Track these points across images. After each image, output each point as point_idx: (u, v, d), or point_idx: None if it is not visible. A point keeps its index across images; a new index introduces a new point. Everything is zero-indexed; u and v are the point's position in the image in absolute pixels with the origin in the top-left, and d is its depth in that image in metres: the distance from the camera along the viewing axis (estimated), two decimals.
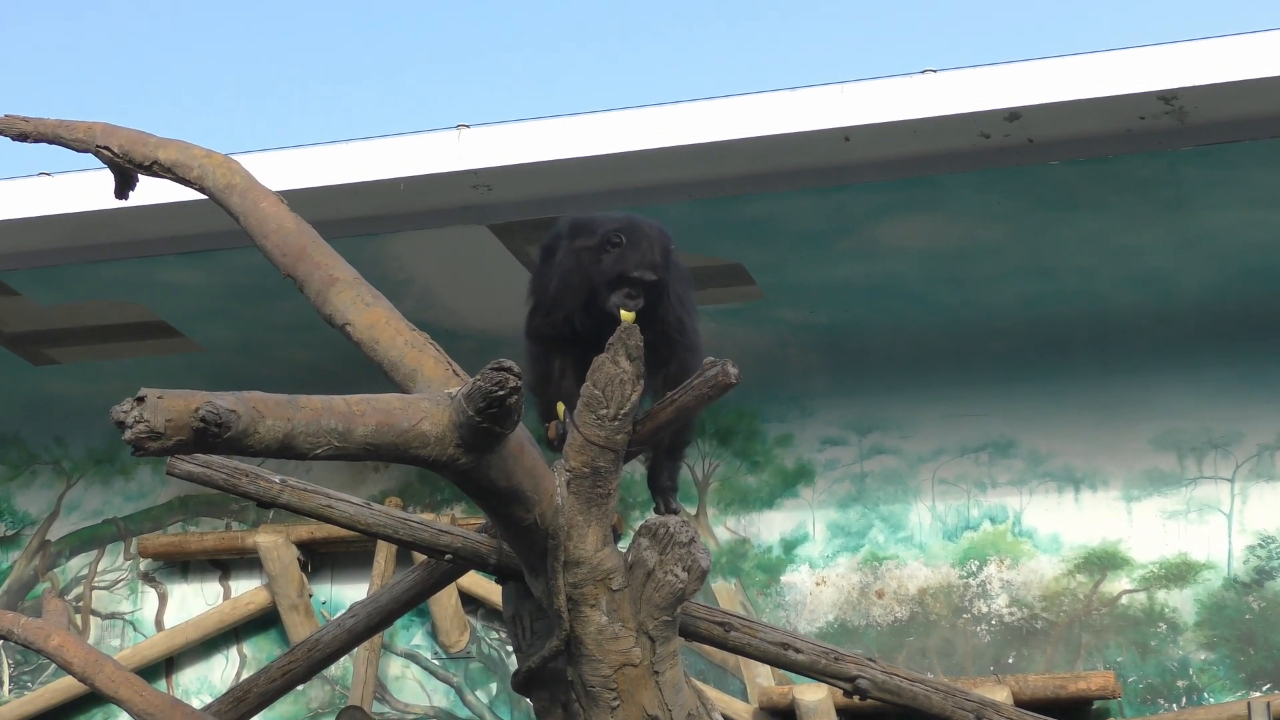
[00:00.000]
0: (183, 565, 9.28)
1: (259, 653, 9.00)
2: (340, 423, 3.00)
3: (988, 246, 7.69)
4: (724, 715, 7.74)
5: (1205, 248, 7.62)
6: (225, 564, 9.22)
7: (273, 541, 8.77)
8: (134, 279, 8.30)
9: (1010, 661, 8.04)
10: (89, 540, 9.53)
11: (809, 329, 8.44)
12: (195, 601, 9.19)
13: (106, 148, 4.36)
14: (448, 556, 4.06)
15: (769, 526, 8.53)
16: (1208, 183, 7.16)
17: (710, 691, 7.88)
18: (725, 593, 8.45)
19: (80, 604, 9.40)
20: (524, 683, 3.87)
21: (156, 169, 4.29)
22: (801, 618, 8.33)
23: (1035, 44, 19.36)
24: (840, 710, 7.66)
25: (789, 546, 8.49)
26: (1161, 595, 7.96)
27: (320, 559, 8.99)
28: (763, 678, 8.09)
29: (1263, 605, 7.88)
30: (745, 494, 8.61)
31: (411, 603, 4.48)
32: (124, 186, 4.50)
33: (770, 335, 8.51)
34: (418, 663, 8.83)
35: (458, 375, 3.57)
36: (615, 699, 3.57)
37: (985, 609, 8.15)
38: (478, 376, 3.10)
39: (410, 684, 8.81)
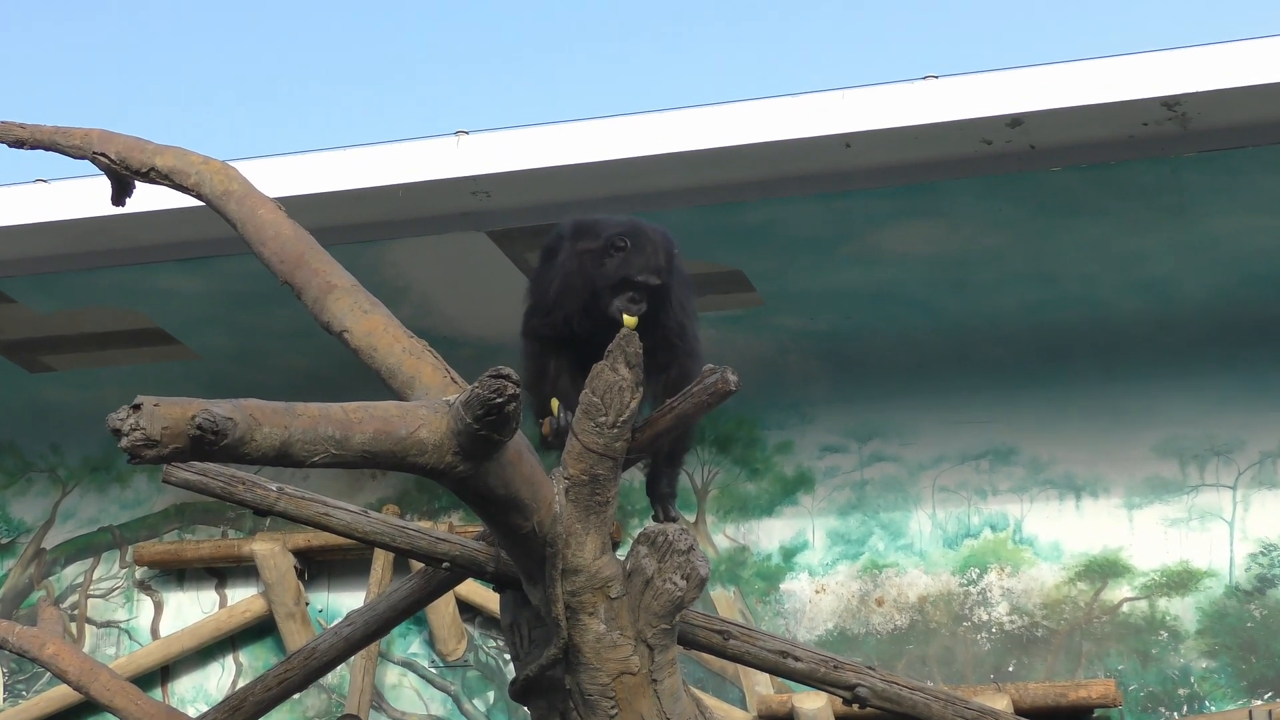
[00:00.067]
0: (179, 573, 9.28)
1: (255, 661, 8.98)
2: (338, 430, 3.00)
3: (990, 253, 7.69)
4: None
5: (1208, 254, 7.62)
6: (221, 572, 9.21)
7: (269, 549, 8.77)
8: (131, 286, 8.30)
9: (1011, 669, 8.04)
10: (84, 548, 9.52)
11: (809, 336, 8.44)
12: (191, 609, 9.18)
13: (103, 154, 4.37)
14: (445, 564, 4.07)
15: (768, 534, 8.53)
16: (1210, 189, 7.17)
17: (709, 700, 7.87)
18: (724, 600, 8.44)
19: (75, 612, 9.39)
20: (522, 691, 3.86)
21: (154, 175, 4.30)
22: (801, 626, 8.32)
23: (1037, 50, 19.37)
24: (840, 719, 7.64)
25: (788, 554, 8.49)
26: (1163, 603, 7.97)
27: (317, 567, 8.98)
28: (762, 686, 8.08)
29: (1264, 613, 7.88)
30: (744, 501, 8.61)
31: (409, 611, 4.47)
32: (121, 193, 4.49)
33: (770, 342, 8.50)
34: (415, 671, 8.82)
35: (456, 382, 3.57)
36: (613, 707, 3.56)
37: (986, 617, 8.15)
38: (476, 384, 3.09)
39: (407, 692, 8.80)
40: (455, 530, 7.63)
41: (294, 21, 21.16)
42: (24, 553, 9.59)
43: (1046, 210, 7.38)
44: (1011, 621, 8.11)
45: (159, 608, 9.26)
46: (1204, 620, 7.90)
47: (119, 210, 4.68)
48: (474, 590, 8.38)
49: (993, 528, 8.27)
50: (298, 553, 8.82)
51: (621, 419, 3.47)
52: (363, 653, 7.99)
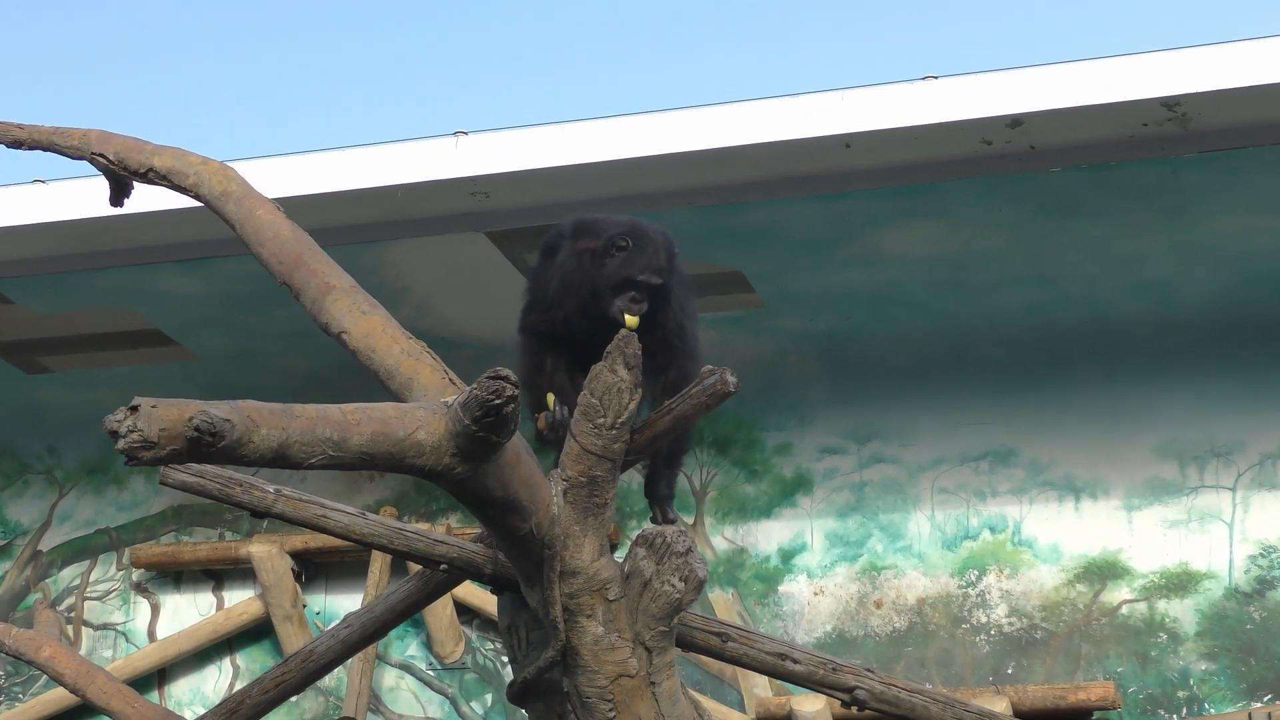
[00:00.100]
0: (175, 575, 9.27)
1: (252, 664, 8.97)
2: (335, 432, 3.00)
3: (989, 254, 7.69)
4: None
5: (1208, 255, 7.62)
6: (218, 574, 9.20)
7: (266, 551, 8.76)
8: (128, 287, 8.29)
9: (1010, 672, 8.03)
10: (81, 550, 9.52)
11: (809, 337, 8.44)
12: (188, 612, 9.17)
13: (101, 155, 4.35)
14: (443, 566, 4.05)
15: (767, 536, 8.52)
16: (1211, 190, 7.16)
17: (707, 702, 7.85)
18: (723, 603, 8.43)
19: (72, 614, 9.37)
20: (520, 694, 3.85)
21: (152, 176, 4.28)
22: (799, 628, 8.31)
23: (1037, 50, 19.34)
24: None
25: (787, 556, 8.48)
26: (1162, 605, 7.96)
27: (314, 569, 8.97)
28: (760, 688, 8.08)
29: (1264, 615, 7.87)
30: (743, 503, 8.60)
31: (406, 613, 4.44)
32: (119, 194, 4.48)
33: (770, 343, 8.50)
34: (412, 674, 8.82)
35: (454, 384, 3.56)
36: (611, 710, 3.55)
37: (984, 619, 8.14)
38: (474, 385, 3.08)
39: (405, 695, 8.79)
40: (453, 532, 7.62)
41: (292, 22, 21.16)
42: (20, 555, 9.58)
43: (1046, 211, 7.37)
44: (1010, 623, 8.10)
45: (156, 610, 9.25)
46: (1203, 622, 7.89)
47: (117, 211, 4.66)
48: (472, 592, 8.37)
49: (992, 529, 8.26)
50: (295, 555, 8.82)
51: (620, 420, 3.45)
52: (360, 655, 7.98)
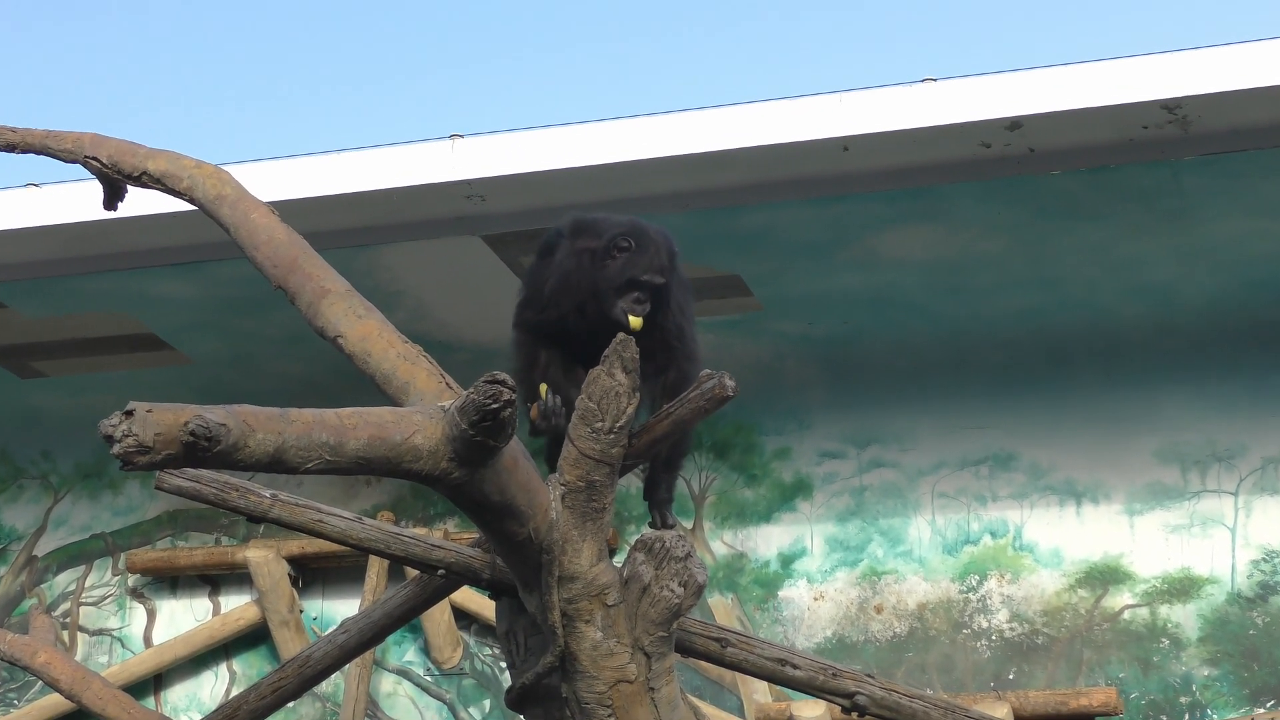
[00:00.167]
0: (172, 581, 9.26)
1: (249, 669, 8.97)
2: (332, 436, 2.99)
3: (989, 257, 7.68)
4: None
5: (1209, 259, 7.62)
6: (215, 579, 9.20)
7: (263, 557, 8.76)
8: (123, 291, 8.29)
9: (1011, 678, 8.01)
10: (77, 556, 9.51)
11: (807, 341, 8.44)
12: (184, 617, 9.17)
13: (95, 158, 4.36)
14: (440, 572, 4.03)
15: (766, 541, 8.51)
16: (1211, 193, 7.15)
17: (707, 708, 7.89)
18: (722, 608, 8.42)
19: (68, 620, 9.37)
20: (518, 700, 3.84)
21: (146, 180, 4.28)
22: (799, 633, 8.31)
23: (1037, 52, 19.33)
24: None
25: (787, 561, 8.47)
26: (1164, 610, 7.95)
27: (311, 574, 8.97)
28: (760, 694, 8.06)
29: (1267, 620, 7.86)
30: (742, 508, 8.59)
31: (404, 618, 4.44)
32: (113, 198, 4.48)
33: (768, 347, 8.50)
34: (410, 679, 8.81)
35: (451, 388, 3.54)
36: (610, 716, 3.53)
37: (985, 624, 8.13)
38: (471, 389, 3.08)
39: (402, 701, 8.78)
40: (450, 537, 7.59)
41: (287, 25, 21.15)
42: (15, 560, 9.57)
43: (1046, 214, 7.36)
44: (1012, 629, 8.10)
45: (152, 615, 9.25)
46: (1206, 628, 7.88)
47: (111, 215, 4.66)
48: (470, 598, 8.37)
49: (992, 534, 8.25)
50: (292, 560, 8.81)
51: (618, 425, 3.45)
52: (357, 661, 7.92)
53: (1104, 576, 8.06)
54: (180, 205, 4.30)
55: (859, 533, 8.40)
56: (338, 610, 8.77)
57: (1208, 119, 6.70)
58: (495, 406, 3.04)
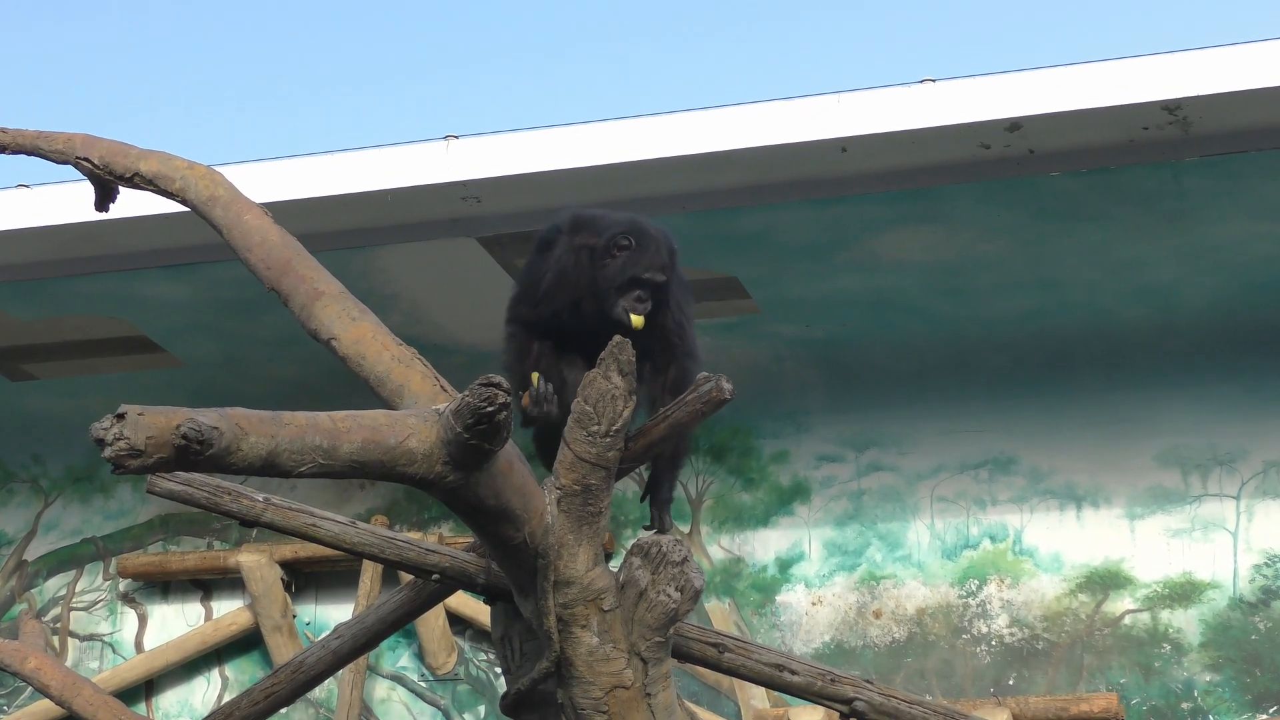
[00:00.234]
0: (163, 585, 9.27)
1: (241, 675, 8.98)
2: (325, 440, 2.98)
3: (988, 259, 7.68)
4: None
5: (1210, 260, 7.62)
6: (207, 584, 9.20)
7: (256, 561, 8.77)
8: (114, 293, 8.29)
9: (1011, 683, 8.01)
10: (67, 560, 9.52)
11: (805, 343, 8.44)
12: (176, 622, 9.17)
13: (87, 159, 4.34)
14: (435, 576, 4.00)
15: (764, 545, 8.51)
16: (1212, 194, 7.15)
17: (704, 714, 7.93)
18: (719, 613, 8.41)
19: (58, 625, 9.37)
20: (513, 705, 3.80)
21: (138, 181, 4.27)
22: (797, 638, 8.30)
23: (1036, 53, 19.37)
24: None
25: (784, 565, 8.47)
26: (1165, 615, 7.95)
27: (304, 579, 8.97)
28: (757, 700, 8.06)
29: (1269, 625, 7.86)
30: (740, 512, 8.59)
31: (398, 624, 4.40)
32: (104, 199, 4.46)
33: (766, 350, 8.50)
34: (404, 685, 8.81)
35: (446, 391, 3.53)
36: None
37: (985, 629, 8.13)
38: (466, 392, 3.06)
39: (397, 706, 8.77)
40: (445, 541, 7.54)
41: (281, 26, 21.14)
42: (5, 565, 9.57)
43: (1046, 216, 7.36)
44: (1012, 634, 8.09)
45: (143, 620, 9.25)
46: (1207, 633, 7.88)
47: (102, 216, 4.64)
48: (464, 602, 8.35)
49: (992, 538, 8.25)
50: (285, 564, 8.82)
51: (614, 428, 3.42)
52: (351, 666, 7.92)
53: (1105, 581, 8.06)
54: (172, 207, 4.29)
55: (857, 537, 8.40)
56: (331, 615, 8.77)
57: (1209, 120, 6.71)
58: (490, 409, 3.02)
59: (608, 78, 20.47)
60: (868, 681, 4.02)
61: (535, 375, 3.88)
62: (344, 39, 20.87)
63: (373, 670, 8.77)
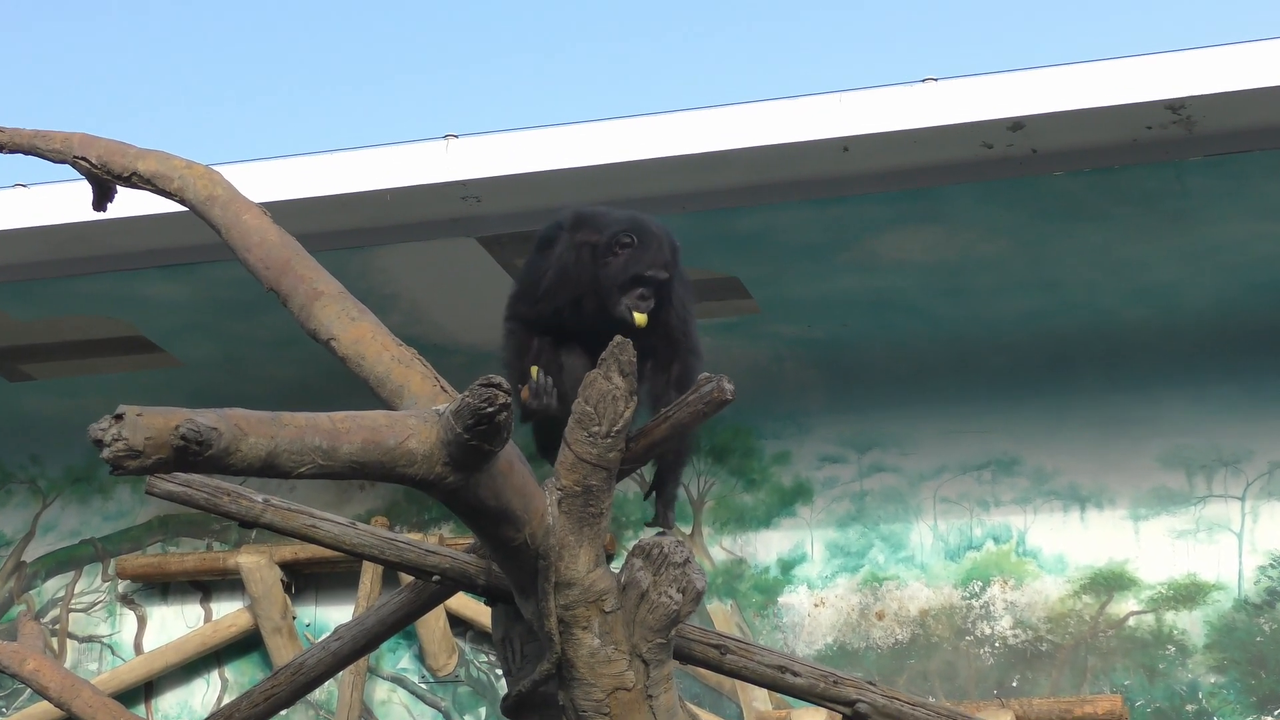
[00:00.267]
0: (162, 587, 9.26)
1: (241, 677, 8.97)
2: (325, 440, 2.97)
3: (990, 259, 7.67)
4: None
5: (1213, 261, 7.60)
6: (206, 585, 9.18)
7: (255, 562, 8.76)
8: (112, 293, 8.28)
9: (1014, 685, 8.00)
10: (66, 561, 9.51)
11: (806, 344, 8.42)
12: (175, 624, 9.16)
13: (84, 159, 4.33)
14: (435, 577, 4.01)
15: (766, 546, 8.50)
16: (1216, 194, 7.14)
17: (706, 716, 7.95)
18: (721, 614, 8.40)
19: (57, 627, 9.35)
20: (514, 707, 3.79)
21: (136, 180, 4.25)
22: (799, 640, 8.29)
23: (1039, 52, 19.37)
24: None
25: (786, 567, 8.46)
26: (1170, 617, 7.93)
27: (304, 580, 8.96)
28: (759, 702, 8.05)
29: (1274, 627, 7.84)
30: (741, 513, 8.58)
31: (398, 625, 4.41)
32: (102, 198, 4.45)
33: (767, 350, 8.49)
34: (405, 687, 8.80)
35: (446, 391, 3.52)
36: None
37: (989, 631, 8.11)
38: (466, 393, 3.05)
39: (397, 708, 8.76)
40: (445, 542, 7.56)
41: (280, 24, 21.14)
42: (3, 566, 9.56)
43: (1048, 216, 7.35)
44: (1015, 636, 8.08)
45: (142, 622, 9.24)
46: (1212, 634, 7.87)
47: (100, 216, 4.64)
48: (465, 604, 8.34)
49: (995, 540, 8.24)
50: (284, 565, 8.81)
51: (615, 429, 3.41)
52: (351, 668, 7.90)
53: (1109, 582, 8.04)
54: (171, 206, 4.28)
55: (860, 538, 8.40)
56: (331, 617, 8.75)
57: (1212, 119, 6.69)
58: (491, 410, 3.01)
59: (608, 77, 20.48)
60: (870, 683, 4.02)
61: (534, 369, 3.89)
62: (343, 38, 20.87)
63: (373, 672, 8.76)
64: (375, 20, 20.61)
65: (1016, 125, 6.80)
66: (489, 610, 4.08)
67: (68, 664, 9.07)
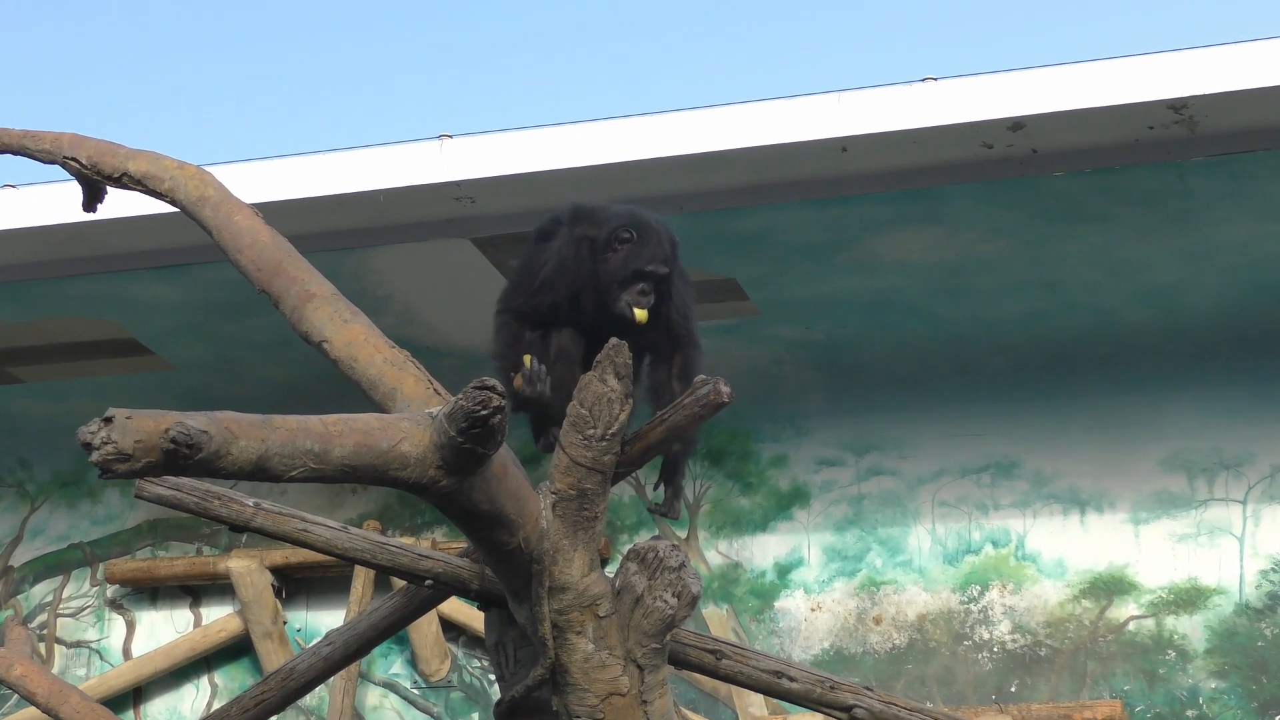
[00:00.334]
0: (152, 591, 9.25)
1: (231, 682, 8.96)
2: (317, 443, 2.97)
3: (990, 260, 7.67)
4: None
5: (1215, 262, 7.60)
6: (196, 590, 9.19)
7: (246, 567, 8.74)
8: (102, 295, 8.27)
9: (1013, 690, 8.00)
10: (54, 566, 9.50)
11: (805, 346, 8.42)
12: (165, 629, 9.15)
13: (74, 159, 4.33)
14: (428, 582, 4.01)
15: (762, 550, 8.49)
16: (1218, 194, 7.13)
17: None
18: (717, 619, 8.40)
19: (45, 632, 9.35)
20: (507, 713, 3.78)
21: (126, 181, 4.26)
22: (796, 645, 8.29)
23: (1040, 51, 19.41)
24: None
25: (783, 571, 8.45)
26: (1170, 621, 7.93)
27: (295, 585, 8.96)
28: (755, 707, 8.04)
29: (1275, 632, 7.84)
30: (738, 517, 8.57)
31: (390, 630, 4.40)
32: (92, 199, 4.45)
33: (765, 352, 8.48)
34: (397, 692, 8.79)
35: (439, 394, 3.53)
36: None
37: (987, 635, 8.11)
38: (460, 395, 3.05)
39: (389, 714, 8.76)
40: (438, 546, 7.58)
41: (272, 23, 21.13)
42: None
43: (1049, 216, 7.35)
44: (1014, 640, 8.08)
45: (131, 627, 9.24)
46: (1213, 639, 7.87)
47: (90, 216, 4.63)
48: (458, 609, 8.33)
49: (994, 543, 8.24)
50: (275, 570, 8.80)
51: (610, 432, 3.39)
52: (343, 673, 7.94)
53: (1109, 587, 8.04)
54: (161, 207, 4.27)
55: (857, 542, 8.39)
56: (322, 622, 8.75)
57: (1215, 119, 6.68)
58: (485, 413, 3.00)
59: (604, 76, 20.48)
60: (867, 688, 4.03)
61: (528, 357, 3.91)
62: (336, 37, 20.86)
63: (364, 677, 8.74)
64: (369, 19, 20.62)
65: (1017, 125, 6.79)
66: (482, 615, 4.08)
67: (55, 669, 9.03)
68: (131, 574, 9.09)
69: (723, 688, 7.93)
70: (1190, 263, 7.58)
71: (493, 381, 3.01)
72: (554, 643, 3.45)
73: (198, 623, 9.08)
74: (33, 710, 7.02)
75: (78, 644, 9.27)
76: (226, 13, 20.69)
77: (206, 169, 4.20)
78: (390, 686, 8.77)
